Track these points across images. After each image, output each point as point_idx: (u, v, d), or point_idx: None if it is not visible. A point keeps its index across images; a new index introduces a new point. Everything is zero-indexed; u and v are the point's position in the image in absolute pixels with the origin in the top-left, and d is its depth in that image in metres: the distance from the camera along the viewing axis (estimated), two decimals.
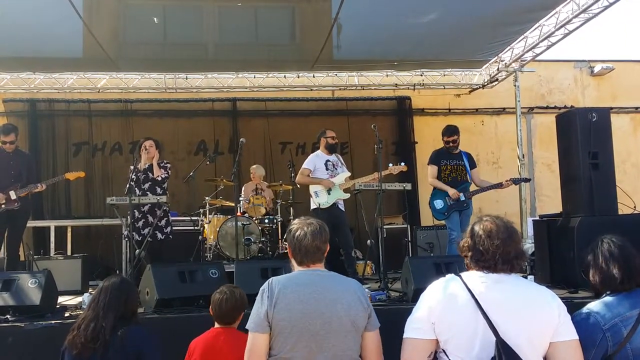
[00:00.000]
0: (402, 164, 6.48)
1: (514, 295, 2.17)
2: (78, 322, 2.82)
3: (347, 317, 2.40)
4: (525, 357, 2.07)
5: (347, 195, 6.43)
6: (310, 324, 2.38)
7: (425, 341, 2.20)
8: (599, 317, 2.33)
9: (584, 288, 4.58)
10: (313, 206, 6.41)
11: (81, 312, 4.55)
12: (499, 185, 6.36)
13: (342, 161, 6.71)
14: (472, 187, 6.47)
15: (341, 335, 2.39)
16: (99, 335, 2.70)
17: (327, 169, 6.44)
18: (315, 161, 6.49)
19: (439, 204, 6.42)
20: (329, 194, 6.30)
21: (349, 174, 6.54)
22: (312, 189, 6.41)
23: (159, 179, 6.24)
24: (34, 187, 5.90)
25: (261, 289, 2.48)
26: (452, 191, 6.26)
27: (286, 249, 2.87)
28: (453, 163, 6.42)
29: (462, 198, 6.26)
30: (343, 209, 6.50)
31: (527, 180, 6.75)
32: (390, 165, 6.32)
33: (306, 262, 2.55)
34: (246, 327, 2.47)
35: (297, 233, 2.56)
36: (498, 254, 2.20)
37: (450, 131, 6.48)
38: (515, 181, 6.48)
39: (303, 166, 6.53)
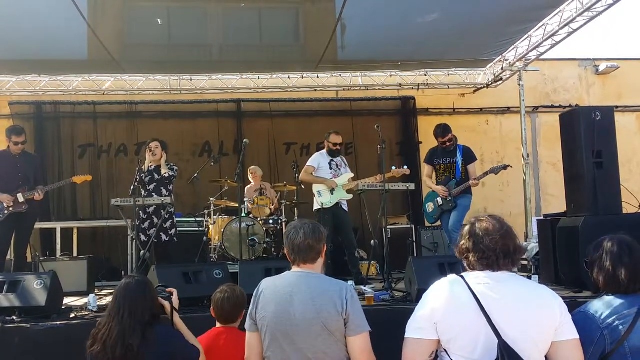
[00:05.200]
0: (405, 167, 6.45)
1: (516, 295, 2.18)
2: (102, 334, 2.65)
3: (316, 319, 2.40)
4: (528, 356, 2.08)
5: (350, 196, 6.42)
6: (281, 324, 2.42)
7: (427, 341, 2.21)
8: (597, 315, 2.34)
9: (588, 287, 4.56)
10: (316, 206, 6.42)
11: (87, 312, 4.58)
12: (470, 184, 6.19)
13: (346, 162, 6.71)
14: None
15: (311, 338, 2.40)
16: (128, 354, 2.58)
17: (330, 169, 6.44)
18: (319, 160, 6.50)
19: (430, 207, 6.49)
20: (332, 194, 6.31)
21: (352, 175, 6.54)
22: (315, 188, 6.41)
23: (167, 175, 6.25)
24: (33, 193, 5.84)
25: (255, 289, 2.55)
26: (439, 188, 6.27)
27: None
28: (447, 161, 6.39)
29: (448, 198, 6.24)
30: (346, 210, 6.50)
31: (506, 167, 6.39)
32: (393, 168, 6.30)
33: (298, 261, 2.56)
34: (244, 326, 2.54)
35: (291, 232, 2.60)
36: (498, 248, 2.22)
37: (443, 131, 6.37)
38: (495, 170, 6.26)
39: (307, 164, 6.55)
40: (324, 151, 6.62)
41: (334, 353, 2.42)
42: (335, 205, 6.31)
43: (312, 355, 2.39)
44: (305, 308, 2.41)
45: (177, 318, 2.94)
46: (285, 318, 2.41)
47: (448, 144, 6.35)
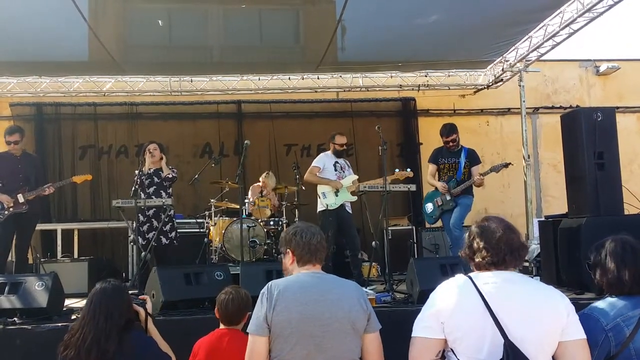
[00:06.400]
0: (409, 169, 6.42)
1: (523, 296, 2.18)
2: (77, 338, 2.60)
3: (346, 319, 2.41)
4: (535, 357, 2.08)
5: (354, 198, 6.38)
6: (310, 326, 2.39)
7: (433, 340, 2.21)
8: (601, 317, 2.32)
9: (590, 289, 4.56)
10: (320, 207, 6.41)
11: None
12: (473, 182, 6.20)
13: (349, 164, 6.70)
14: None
15: (340, 337, 2.40)
16: (102, 359, 2.55)
17: (335, 170, 6.43)
18: (325, 160, 6.49)
19: (429, 207, 6.47)
20: (337, 195, 6.29)
21: (356, 177, 6.51)
22: (320, 189, 6.40)
23: (170, 176, 6.26)
24: (42, 190, 5.91)
25: (261, 292, 2.50)
26: (439, 185, 6.27)
27: None
28: (451, 161, 6.39)
29: (448, 197, 6.24)
30: (350, 212, 6.48)
31: (507, 165, 6.36)
32: (397, 170, 6.29)
33: (313, 261, 2.57)
34: (247, 330, 2.49)
35: (304, 232, 2.59)
36: (503, 244, 2.23)
37: (448, 131, 6.38)
38: (496, 169, 6.27)
39: (312, 164, 6.53)
40: (329, 152, 6.61)
41: (357, 349, 2.45)
42: (339, 207, 6.30)
43: (340, 355, 2.40)
44: (335, 308, 2.42)
45: (151, 325, 2.91)
46: (315, 319, 2.40)
47: (451, 144, 6.35)
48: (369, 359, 2.47)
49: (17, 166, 5.96)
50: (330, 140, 6.62)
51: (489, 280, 2.21)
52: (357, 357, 2.46)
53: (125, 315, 2.69)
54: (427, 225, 8.30)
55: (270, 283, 2.52)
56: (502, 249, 2.22)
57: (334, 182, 6.31)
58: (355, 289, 2.55)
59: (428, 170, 6.59)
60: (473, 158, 6.41)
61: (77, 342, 2.59)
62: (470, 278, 2.24)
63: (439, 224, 6.76)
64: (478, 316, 2.14)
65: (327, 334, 2.39)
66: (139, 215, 6.06)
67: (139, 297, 3.01)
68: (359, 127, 9.34)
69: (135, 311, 2.83)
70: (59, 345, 2.66)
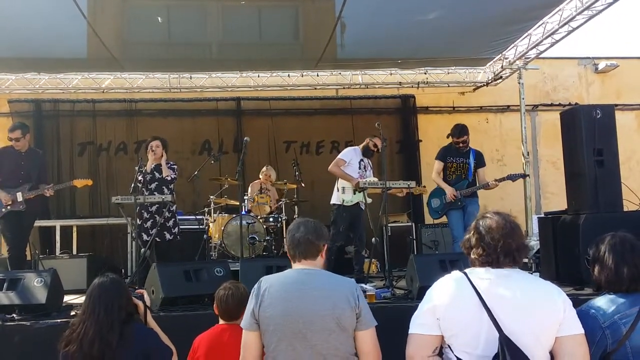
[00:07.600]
0: (424, 186, 6.40)
1: (519, 291, 2.17)
2: (78, 333, 2.62)
3: (330, 316, 2.40)
4: (531, 352, 2.07)
5: (370, 200, 6.33)
6: (292, 322, 2.40)
7: (430, 337, 2.22)
8: (599, 314, 2.31)
9: (589, 285, 4.57)
10: (335, 201, 6.37)
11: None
12: (487, 185, 6.25)
13: (372, 166, 6.66)
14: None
15: (325, 334, 2.39)
16: (105, 351, 2.56)
17: (359, 168, 6.41)
18: (352, 156, 6.45)
19: (435, 202, 6.45)
20: (354, 193, 6.26)
21: (376, 180, 6.46)
22: (341, 183, 6.35)
23: (168, 178, 6.23)
24: (41, 191, 5.85)
25: (253, 287, 2.52)
26: (449, 190, 6.24)
27: None
28: (459, 161, 6.38)
29: (458, 196, 6.23)
30: (363, 209, 6.44)
31: (524, 176, 6.45)
32: (414, 184, 6.30)
33: (298, 256, 2.56)
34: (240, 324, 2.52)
35: (292, 227, 2.62)
36: (499, 247, 2.22)
37: (459, 132, 6.36)
38: (513, 177, 6.32)
39: (339, 157, 6.48)
40: (358, 148, 6.57)
41: (345, 349, 2.43)
42: (355, 204, 6.29)
43: (325, 352, 2.39)
44: (319, 304, 2.41)
45: (150, 318, 2.92)
46: (298, 315, 2.40)
47: (461, 145, 6.34)
48: (363, 357, 2.47)
49: (20, 162, 5.94)
50: (369, 138, 6.56)
51: (484, 276, 2.22)
52: (350, 354, 2.45)
53: (124, 308, 2.71)
54: (427, 222, 8.31)
55: (261, 279, 2.54)
56: (497, 251, 2.22)
57: (355, 181, 6.23)
58: (348, 286, 2.51)
59: (434, 167, 6.54)
60: (480, 160, 6.45)
61: (79, 336, 2.61)
62: (466, 274, 2.25)
63: (438, 220, 6.75)
64: (473, 312, 2.14)
65: (311, 331, 2.39)
66: (143, 211, 6.06)
67: (137, 290, 3.00)
68: (359, 125, 9.31)
69: (134, 304, 2.85)
70: (59, 342, 2.67)
